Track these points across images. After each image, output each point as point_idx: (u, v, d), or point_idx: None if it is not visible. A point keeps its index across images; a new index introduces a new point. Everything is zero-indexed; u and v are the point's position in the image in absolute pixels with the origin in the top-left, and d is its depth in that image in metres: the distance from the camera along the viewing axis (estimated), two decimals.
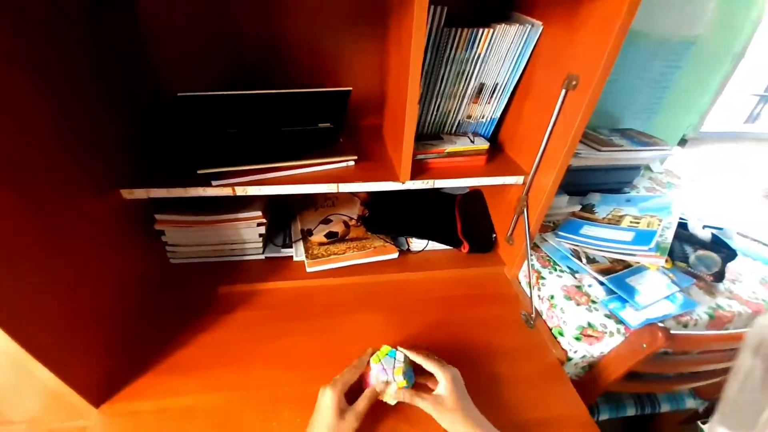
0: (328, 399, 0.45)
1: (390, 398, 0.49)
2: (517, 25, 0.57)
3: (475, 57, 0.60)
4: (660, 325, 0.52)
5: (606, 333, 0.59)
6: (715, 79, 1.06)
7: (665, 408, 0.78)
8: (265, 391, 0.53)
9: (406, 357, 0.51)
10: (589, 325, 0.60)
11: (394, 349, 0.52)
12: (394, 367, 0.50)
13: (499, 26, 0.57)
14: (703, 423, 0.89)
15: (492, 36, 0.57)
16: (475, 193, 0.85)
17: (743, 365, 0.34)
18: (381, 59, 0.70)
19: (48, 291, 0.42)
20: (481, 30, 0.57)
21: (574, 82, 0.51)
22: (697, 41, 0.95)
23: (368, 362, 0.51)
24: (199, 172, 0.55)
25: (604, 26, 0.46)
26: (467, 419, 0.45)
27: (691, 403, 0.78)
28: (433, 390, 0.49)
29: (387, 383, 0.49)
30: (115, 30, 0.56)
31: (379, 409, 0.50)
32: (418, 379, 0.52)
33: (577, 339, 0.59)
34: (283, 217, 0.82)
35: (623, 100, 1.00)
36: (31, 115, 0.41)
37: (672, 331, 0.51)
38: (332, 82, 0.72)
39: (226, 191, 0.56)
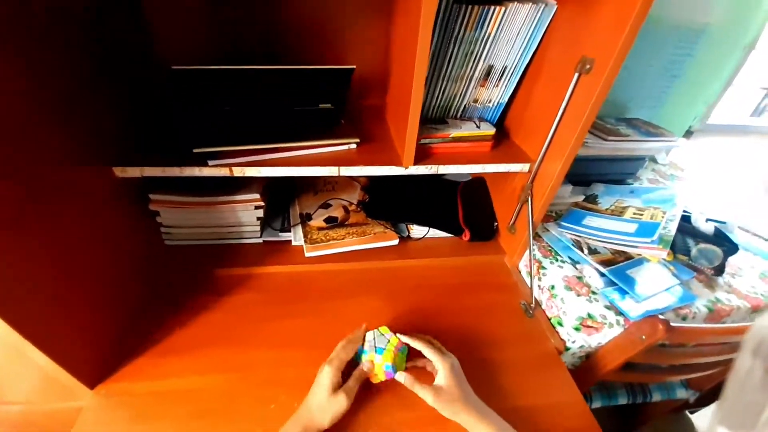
0: (324, 376, 0.46)
1: (374, 378, 0.49)
2: (530, 4, 0.54)
3: (485, 37, 0.57)
4: (660, 317, 0.52)
5: (605, 324, 0.58)
6: (725, 69, 1.04)
7: (656, 398, 0.79)
8: (263, 373, 0.52)
9: (400, 344, 0.51)
10: (589, 315, 0.59)
11: (391, 333, 0.52)
12: (385, 348, 0.49)
13: (511, 4, 0.54)
14: (692, 413, 0.91)
15: (503, 15, 0.55)
16: (478, 181, 0.83)
17: (743, 365, 0.33)
18: (386, 36, 0.67)
19: (39, 271, 0.41)
20: (492, 8, 0.54)
21: (588, 66, 0.49)
22: (708, 29, 0.92)
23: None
24: (195, 151, 0.53)
25: (623, 7, 0.43)
26: (470, 409, 0.45)
27: (682, 394, 0.80)
28: (430, 376, 0.49)
29: (372, 362, 0.49)
30: (112, 2, 0.53)
31: (376, 393, 0.50)
32: (416, 362, 0.52)
33: (576, 329, 0.59)
34: (282, 200, 0.80)
35: (631, 88, 0.98)
36: (20, 85, 0.38)
37: (671, 324, 0.51)
38: (334, 58, 0.69)
39: (223, 172, 0.54)
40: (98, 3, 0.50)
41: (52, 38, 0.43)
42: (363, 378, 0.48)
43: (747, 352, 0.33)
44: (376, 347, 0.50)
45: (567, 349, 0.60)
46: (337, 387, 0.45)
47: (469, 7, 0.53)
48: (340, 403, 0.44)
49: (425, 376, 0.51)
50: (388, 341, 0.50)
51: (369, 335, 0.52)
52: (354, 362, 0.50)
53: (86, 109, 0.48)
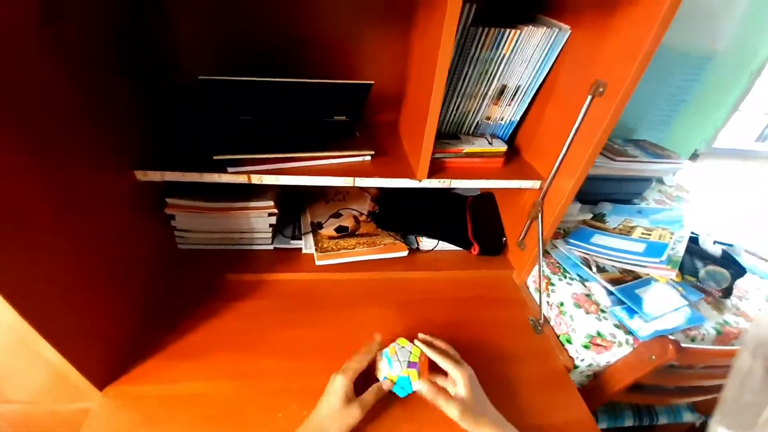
0: (337, 385, 0.45)
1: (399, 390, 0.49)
2: (545, 28, 0.56)
3: (500, 58, 0.59)
4: (670, 337, 0.52)
5: (615, 343, 0.58)
6: (731, 95, 1.06)
7: (663, 420, 0.78)
8: (271, 381, 0.52)
9: (422, 354, 0.51)
10: (598, 334, 0.60)
11: (410, 344, 0.52)
12: (409, 360, 0.49)
13: (526, 28, 0.56)
14: None
15: (518, 37, 0.57)
16: (487, 196, 0.84)
17: (742, 366, 0.34)
18: (402, 54, 0.69)
19: (57, 266, 0.42)
20: (508, 31, 0.56)
21: (601, 89, 0.50)
22: (715, 56, 0.95)
23: (379, 352, 0.51)
24: (215, 157, 0.54)
25: (638, 33, 0.45)
26: (494, 423, 0.44)
27: (688, 417, 0.79)
28: (446, 386, 0.49)
29: (393, 380, 0.49)
30: (139, 11, 0.55)
31: (384, 405, 0.50)
32: (431, 375, 0.51)
33: (586, 347, 0.59)
34: (293, 208, 0.81)
35: (639, 111, 1.00)
36: (52, 85, 0.40)
37: (682, 345, 0.51)
38: (351, 73, 0.71)
39: (242, 179, 0.56)
40: (126, 13, 0.52)
41: (87, 48, 0.45)
42: (381, 395, 0.48)
43: (747, 352, 0.33)
44: (401, 361, 0.49)
45: (576, 367, 0.60)
46: (351, 398, 0.45)
47: (486, 29, 0.55)
48: (353, 415, 0.44)
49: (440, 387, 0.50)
50: (410, 353, 0.50)
51: (392, 352, 0.51)
52: (371, 374, 0.50)
53: (112, 110, 0.50)
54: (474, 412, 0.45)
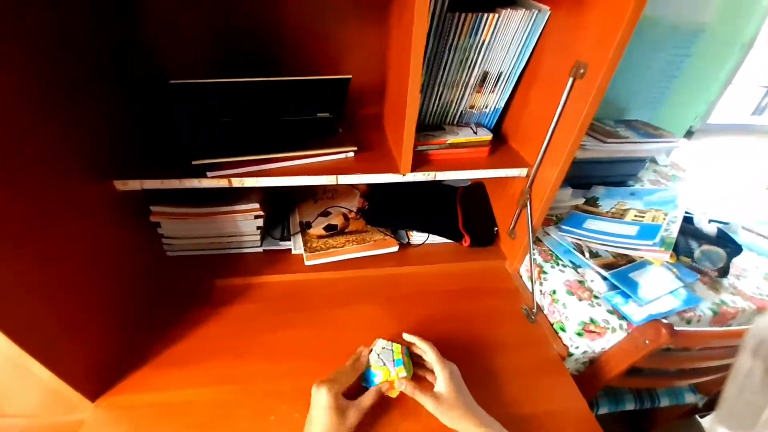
0: (324, 400, 0.43)
1: (393, 392, 0.49)
2: (523, 10, 0.55)
3: (479, 44, 0.58)
4: (663, 321, 0.51)
5: (608, 329, 0.58)
6: (724, 68, 1.03)
7: (665, 403, 0.77)
8: (263, 384, 0.52)
9: (404, 349, 0.51)
10: (591, 320, 0.59)
11: (390, 342, 0.52)
12: (393, 359, 0.49)
13: (504, 11, 0.54)
14: (701, 417, 0.89)
15: (497, 21, 0.55)
16: (477, 186, 0.83)
17: (743, 366, 0.33)
18: (382, 46, 0.67)
19: (40, 284, 0.41)
20: (485, 15, 0.54)
21: (582, 70, 0.49)
22: (706, 28, 0.92)
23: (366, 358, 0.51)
24: (193, 163, 0.53)
25: (615, 11, 0.43)
26: (470, 416, 0.44)
27: (690, 398, 0.78)
28: (432, 384, 0.49)
29: (391, 382, 0.48)
30: (109, 11, 0.54)
31: (380, 406, 0.49)
32: (416, 370, 0.52)
33: (579, 334, 0.58)
34: (282, 209, 0.80)
35: (629, 90, 0.98)
36: (16, 97, 0.39)
37: (675, 328, 0.50)
38: (331, 69, 0.70)
39: (222, 183, 0.55)
40: (95, 15, 0.51)
41: (52, 50, 0.43)
42: (378, 397, 0.47)
43: (747, 353, 0.33)
44: (385, 361, 0.49)
45: (570, 354, 0.59)
46: (345, 408, 0.44)
47: (463, 14, 0.54)
48: (350, 423, 0.43)
49: (427, 385, 0.50)
50: (392, 351, 0.50)
51: (373, 355, 0.51)
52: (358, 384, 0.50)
53: (86, 121, 0.49)
54: (450, 404, 0.45)
